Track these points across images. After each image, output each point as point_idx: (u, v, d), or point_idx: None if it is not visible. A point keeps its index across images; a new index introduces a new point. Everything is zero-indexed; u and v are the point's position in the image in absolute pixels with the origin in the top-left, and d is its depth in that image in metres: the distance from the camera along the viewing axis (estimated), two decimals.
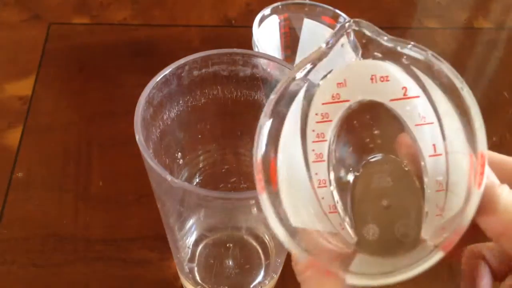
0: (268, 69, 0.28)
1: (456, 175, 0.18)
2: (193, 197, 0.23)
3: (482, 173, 0.16)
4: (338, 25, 0.22)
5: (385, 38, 0.19)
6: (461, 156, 0.18)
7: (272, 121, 0.19)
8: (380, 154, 0.20)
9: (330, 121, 0.19)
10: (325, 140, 0.20)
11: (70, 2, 0.56)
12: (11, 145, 0.42)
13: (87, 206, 0.39)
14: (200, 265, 0.33)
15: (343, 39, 0.19)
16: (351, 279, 0.17)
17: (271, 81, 0.28)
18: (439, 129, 0.19)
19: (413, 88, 0.19)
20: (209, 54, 0.27)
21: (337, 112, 0.19)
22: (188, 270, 0.33)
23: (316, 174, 0.20)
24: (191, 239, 0.33)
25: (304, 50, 0.46)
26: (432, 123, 0.19)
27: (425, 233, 0.18)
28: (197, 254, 0.33)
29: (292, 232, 0.18)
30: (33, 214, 0.38)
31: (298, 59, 0.47)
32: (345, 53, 0.19)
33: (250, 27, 0.42)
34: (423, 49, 0.18)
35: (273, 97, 0.19)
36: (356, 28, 0.19)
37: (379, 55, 0.19)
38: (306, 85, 0.19)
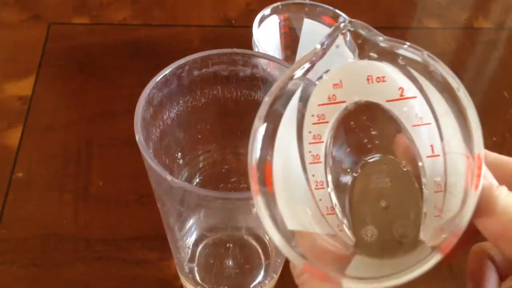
0: (268, 69, 0.28)
1: (454, 176, 0.18)
2: (193, 197, 0.23)
3: (479, 175, 0.16)
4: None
5: (381, 38, 0.18)
6: (459, 157, 0.18)
7: (267, 123, 0.19)
8: (378, 155, 0.20)
9: (327, 122, 0.19)
10: (322, 142, 0.19)
11: (70, 2, 0.56)
12: (11, 145, 0.43)
13: (87, 206, 0.39)
14: (200, 265, 0.33)
15: (339, 40, 0.19)
16: (348, 283, 0.17)
17: (271, 81, 0.28)
18: (437, 129, 0.18)
19: (410, 89, 0.19)
20: (209, 54, 0.27)
21: (334, 113, 0.19)
22: (188, 270, 0.33)
23: (313, 175, 0.19)
24: (191, 239, 0.33)
25: (304, 50, 0.46)
26: (429, 123, 0.18)
27: (424, 234, 0.18)
28: (197, 254, 0.33)
29: (288, 236, 0.18)
30: (33, 214, 0.38)
31: (298, 59, 0.47)
32: (341, 54, 0.19)
33: (250, 27, 0.42)
34: (419, 49, 0.18)
35: (267, 99, 0.19)
36: (352, 29, 0.19)
37: (375, 55, 0.19)
38: (301, 86, 0.19)
